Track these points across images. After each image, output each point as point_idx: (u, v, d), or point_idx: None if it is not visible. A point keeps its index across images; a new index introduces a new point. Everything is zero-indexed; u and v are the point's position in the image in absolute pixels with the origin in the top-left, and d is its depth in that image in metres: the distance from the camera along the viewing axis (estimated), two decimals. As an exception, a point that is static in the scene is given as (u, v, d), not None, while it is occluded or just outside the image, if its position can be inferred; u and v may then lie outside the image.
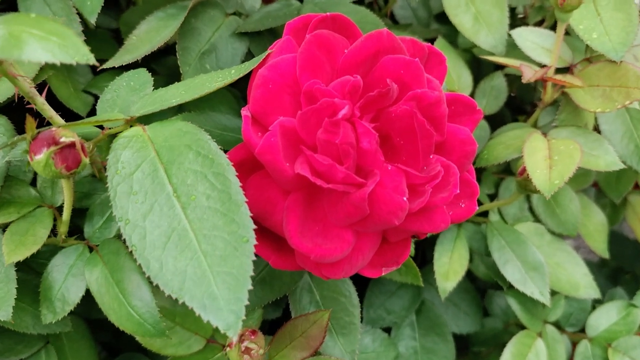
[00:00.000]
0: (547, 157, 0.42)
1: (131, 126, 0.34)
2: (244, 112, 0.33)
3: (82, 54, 0.27)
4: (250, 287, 0.28)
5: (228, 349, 0.36)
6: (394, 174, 0.33)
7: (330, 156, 0.32)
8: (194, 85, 0.35)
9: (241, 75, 0.34)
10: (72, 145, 0.29)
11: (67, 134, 0.29)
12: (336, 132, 0.31)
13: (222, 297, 0.28)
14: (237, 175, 0.31)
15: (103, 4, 0.45)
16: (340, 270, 0.34)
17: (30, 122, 0.29)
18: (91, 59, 0.27)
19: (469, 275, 0.60)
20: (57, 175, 0.30)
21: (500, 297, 0.63)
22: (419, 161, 0.34)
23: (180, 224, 0.30)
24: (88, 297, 0.38)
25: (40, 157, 0.29)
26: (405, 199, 0.32)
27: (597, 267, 0.99)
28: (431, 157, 0.34)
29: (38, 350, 0.42)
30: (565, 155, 0.41)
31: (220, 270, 0.29)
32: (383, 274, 0.36)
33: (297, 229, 0.32)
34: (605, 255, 0.59)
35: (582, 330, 0.58)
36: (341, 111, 0.31)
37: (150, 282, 0.34)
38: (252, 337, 0.36)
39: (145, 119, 0.35)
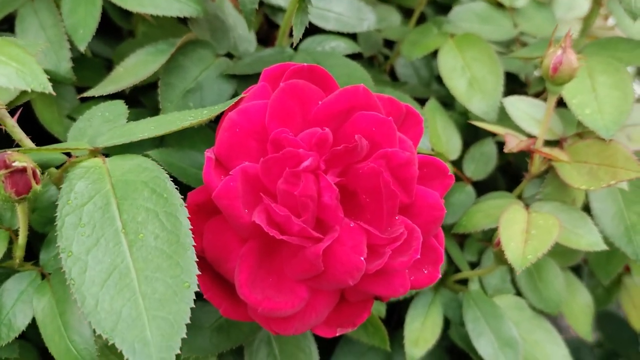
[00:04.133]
0: (524, 230, 0.40)
1: (94, 157, 0.33)
2: (208, 153, 0.32)
3: (39, 82, 0.26)
4: (184, 336, 0.27)
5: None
6: (355, 232, 0.32)
7: (289, 207, 0.31)
8: (165, 122, 0.35)
9: (212, 115, 0.34)
10: (23, 170, 0.29)
11: (20, 159, 0.29)
12: (296, 183, 0.30)
13: (154, 343, 0.27)
14: (193, 218, 0.30)
15: (105, 33, 0.46)
16: (291, 327, 0.33)
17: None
18: (48, 88, 0.27)
19: (447, 344, 0.58)
20: (6, 199, 0.29)
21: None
22: (382, 221, 0.32)
23: (123, 262, 0.29)
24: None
25: (-9, 180, 0.28)
26: (362, 259, 0.31)
27: (591, 349, 0.96)
28: (396, 218, 0.33)
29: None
30: (543, 230, 0.40)
31: (156, 315, 0.28)
32: (337, 334, 0.35)
33: (249, 279, 0.31)
34: (589, 338, 0.57)
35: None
36: (304, 162, 0.31)
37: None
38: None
39: (118, 151, 0.34)
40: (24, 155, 0.29)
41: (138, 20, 0.53)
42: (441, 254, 0.35)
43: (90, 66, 0.50)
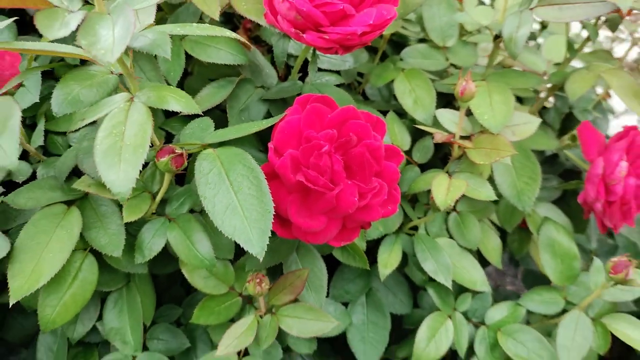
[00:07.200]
0: (447, 188, 0.68)
1: (205, 149, 0.59)
2: (270, 145, 0.59)
3: (195, 109, 0.53)
4: (270, 235, 0.54)
5: (247, 284, 0.61)
6: (351, 186, 0.59)
7: (316, 172, 0.57)
8: (241, 129, 0.61)
9: (268, 125, 0.61)
10: (181, 154, 0.55)
11: (178, 148, 0.55)
12: (320, 158, 0.57)
13: (255, 239, 0.53)
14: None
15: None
16: (317, 239, 0.59)
17: (160, 141, 0.54)
18: (199, 111, 0.53)
19: (407, 278, 0.85)
20: (170, 170, 0.55)
21: (428, 295, 0.87)
22: (366, 180, 0.60)
23: (232, 202, 0.54)
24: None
25: (164, 160, 0.54)
26: (356, 199, 0.58)
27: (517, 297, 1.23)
28: (373, 179, 0.60)
29: (121, 287, 0.66)
30: (456, 187, 0.68)
31: (254, 226, 0.53)
32: (342, 244, 0.61)
33: (296, 212, 0.58)
34: (499, 267, 0.85)
35: (483, 322, 0.82)
36: (323, 148, 0.58)
37: (209, 239, 0.60)
38: (263, 277, 0.61)
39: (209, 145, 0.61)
40: (179, 147, 0.56)
41: (195, 63, 0.79)
42: (398, 199, 0.62)
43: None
